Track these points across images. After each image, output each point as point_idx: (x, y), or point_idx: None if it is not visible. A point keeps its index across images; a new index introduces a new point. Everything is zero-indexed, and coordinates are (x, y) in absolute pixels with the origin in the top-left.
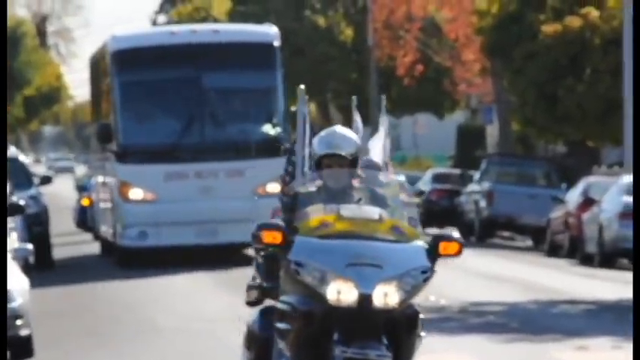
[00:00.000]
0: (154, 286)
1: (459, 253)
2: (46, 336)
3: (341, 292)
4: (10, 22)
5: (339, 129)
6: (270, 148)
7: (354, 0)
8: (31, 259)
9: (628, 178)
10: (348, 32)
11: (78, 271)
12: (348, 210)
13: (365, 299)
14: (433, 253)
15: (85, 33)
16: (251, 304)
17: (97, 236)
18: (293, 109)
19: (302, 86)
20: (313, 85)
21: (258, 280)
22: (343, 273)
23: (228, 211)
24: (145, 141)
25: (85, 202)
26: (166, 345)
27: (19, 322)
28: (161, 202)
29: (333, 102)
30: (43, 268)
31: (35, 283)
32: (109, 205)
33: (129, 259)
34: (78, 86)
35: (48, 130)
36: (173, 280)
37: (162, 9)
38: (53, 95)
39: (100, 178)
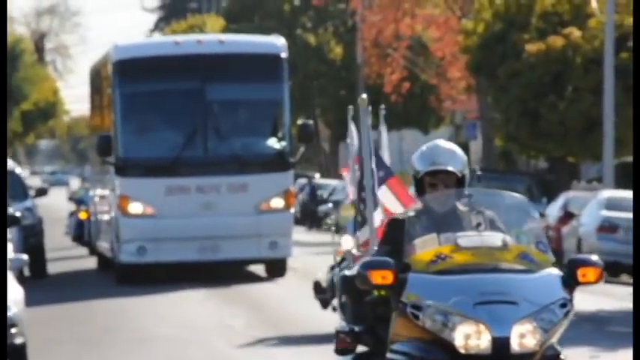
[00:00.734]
0: (148, 297)
1: (599, 279)
2: (39, 344)
3: (471, 337)
4: (9, 39)
5: (443, 143)
6: (274, 162)
7: (343, 19)
8: (26, 270)
9: (606, 193)
10: (337, 50)
11: (73, 284)
12: (466, 238)
13: (500, 344)
14: (570, 282)
15: (82, 50)
16: (342, 352)
17: (94, 251)
18: (300, 122)
19: (364, 96)
20: (303, 101)
21: (345, 324)
22: (472, 314)
23: (230, 226)
24: (145, 154)
25: (83, 215)
26: (157, 353)
27: (13, 330)
28: (161, 216)
29: (321, 117)
30: (38, 278)
31: (30, 292)
32: (107, 219)
33: (127, 276)
34: (74, 101)
35: (44, 143)
36: (168, 291)
37: (156, 27)
38: (50, 110)
39: (99, 192)
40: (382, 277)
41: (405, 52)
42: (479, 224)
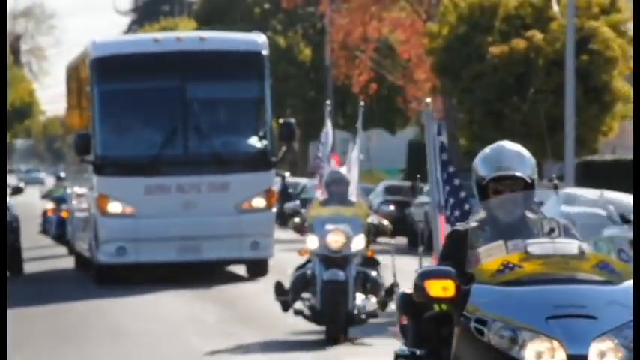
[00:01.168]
0: (125, 294)
1: None
2: (17, 337)
3: (543, 355)
4: None
5: (509, 145)
6: (256, 161)
7: (312, 22)
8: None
9: (566, 191)
10: (307, 52)
11: (50, 281)
12: (537, 245)
13: None
14: None
15: (57, 52)
16: None
17: (73, 250)
18: (281, 121)
19: (428, 100)
20: (273, 102)
21: (406, 348)
22: (544, 329)
23: (211, 226)
24: (124, 152)
25: (65, 214)
26: (130, 345)
27: None
28: (141, 216)
29: (291, 117)
30: (15, 275)
31: (8, 288)
32: (85, 218)
33: (106, 276)
34: (49, 102)
35: (20, 143)
36: (144, 289)
37: (130, 29)
38: (25, 110)
39: (77, 190)
40: (443, 289)
41: (372, 54)
42: (552, 230)
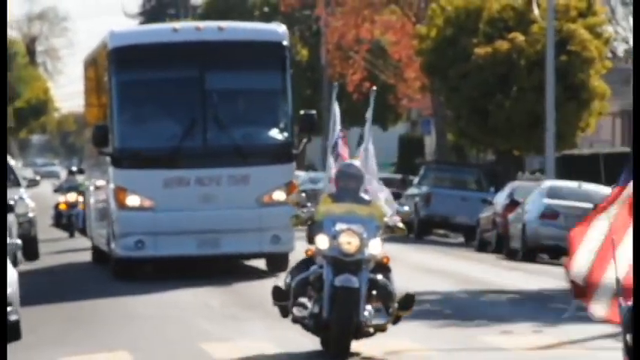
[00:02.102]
0: (137, 281)
1: None
2: (31, 321)
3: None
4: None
5: None
6: (277, 153)
7: (309, 24)
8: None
9: (548, 183)
10: (303, 52)
11: (64, 269)
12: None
13: None
14: None
15: (70, 52)
16: None
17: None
18: (302, 112)
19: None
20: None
21: None
22: None
23: (231, 220)
24: (143, 144)
25: (82, 207)
26: (140, 328)
27: (8, 308)
28: (160, 209)
29: None
30: (30, 261)
31: (23, 274)
32: (103, 211)
33: (124, 270)
34: (63, 99)
35: (36, 138)
36: (159, 279)
37: None
38: (41, 107)
39: (95, 183)
40: None
41: (365, 54)
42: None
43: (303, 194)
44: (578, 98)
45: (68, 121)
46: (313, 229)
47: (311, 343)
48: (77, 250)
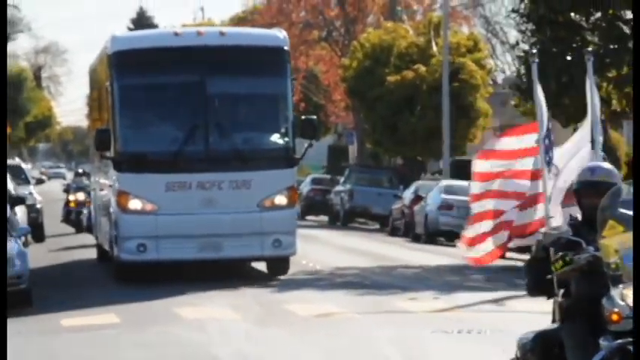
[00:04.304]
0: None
1: None
2: (42, 291)
3: None
4: (14, 70)
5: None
6: (278, 158)
7: None
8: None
9: (444, 182)
10: None
11: (70, 254)
12: None
13: None
14: None
15: (69, 79)
16: None
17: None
18: (303, 117)
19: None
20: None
21: None
22: None
23: (232, 224)
24: (144, 149)
25: (72, 204)
26: (127, 298)
27: (20, 279)
28: (161, 213)
29: None
30: (38, 242)
31: (32, 255)
32: (107, 214)
33: (127, 274)
34: (63, 115)
35: (42, 146)
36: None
37: None
38: (45, 122)
39: (99, 186)
40: None
41: (301, 81)
42: None
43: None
44: (467, 116)
45: (67, 133)
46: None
47: None
48: (85, 247)
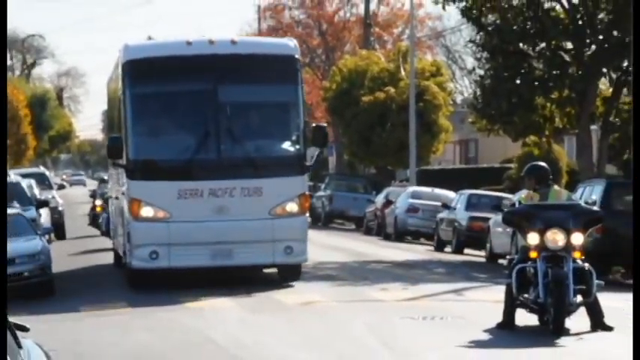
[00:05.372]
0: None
1: None
2: (64, 282)
3: None
4: (40, 91)
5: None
6: (289, 165)
7: None
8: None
9: (411, 188)
10: None
11: (90, 251)
12: None
13: None
14: None
15: (86, 99)
16: None
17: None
18: (314, 124)
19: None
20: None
21: None
22: None
23: (244, 231)
24: (157, 156)
25: (99, 209)
26: (138, 290)
27: (43, 272)
28: (173, 220)
29: None
30: (60, 240)
31: (55, 251)
32: (121, 221)
33: (139, 281)
34: (81, 130)
35: (63, 156)
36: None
37: None
38: (66, 135)
39: (115, 193)
40: None
41: None
42: None
43: None
44: (430, 131)
45: (85, 145)
46: None
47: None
48: (104, 250)
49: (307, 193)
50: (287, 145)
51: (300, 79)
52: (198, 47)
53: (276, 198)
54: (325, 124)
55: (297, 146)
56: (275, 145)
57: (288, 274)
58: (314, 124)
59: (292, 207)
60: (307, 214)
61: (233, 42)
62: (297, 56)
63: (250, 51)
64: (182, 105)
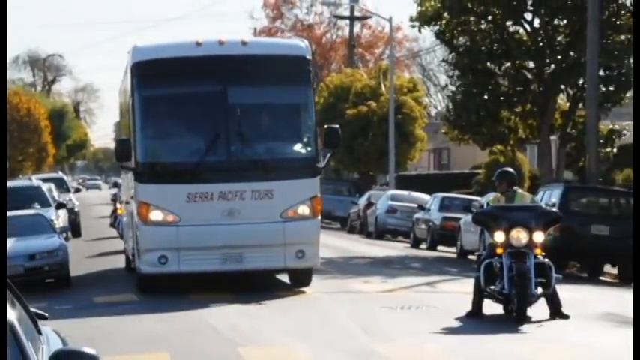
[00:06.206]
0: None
1: None
2: (80, 275)
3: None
4: (59, 105)
5: None
6: (301, 168)
7: None
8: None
9: (391, 192)
10: None
11: (102, 247)
12: None
13: None
14: None
15: (100, 112)
16: None
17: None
18: (325, 126)
19: None
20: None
21: None
22: None
23: (254, 235)
24: (165, 159)
25: (121, 211)
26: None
27: (61, 266)
28: (182, 224)
29: None
30: (76, 238)
31: (73, 247)
32: (130, 224)
33: (148, 285)
34: (96, 140)
35: (79, 163)
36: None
37: None
38: (82, 144)
39: (124, 197)
40: None
41: None
42: None
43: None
44: (408, 141)
45: (99, 153)
46: None
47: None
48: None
49: (319, 195)
50: (298, 147)
51: (311, 80)
52: (208, 48)
53: (288, 201)
54: (337, 126)
55: (309, 148)
56: (286, 147)
57: (300, 279)
58: (326, 126)
59: (304, 210)
60: (319, 217)
61: (243, 43)
62: (308, 57)
63: (261, 52)
64: (191, 107)
